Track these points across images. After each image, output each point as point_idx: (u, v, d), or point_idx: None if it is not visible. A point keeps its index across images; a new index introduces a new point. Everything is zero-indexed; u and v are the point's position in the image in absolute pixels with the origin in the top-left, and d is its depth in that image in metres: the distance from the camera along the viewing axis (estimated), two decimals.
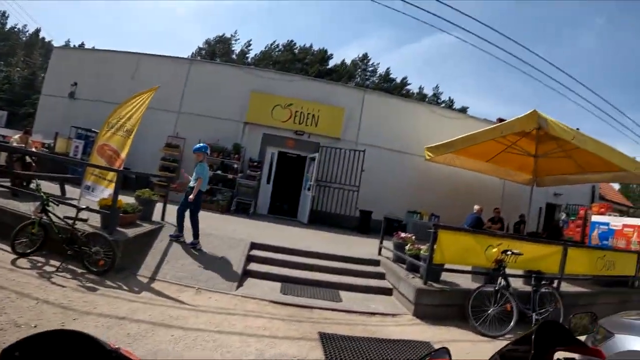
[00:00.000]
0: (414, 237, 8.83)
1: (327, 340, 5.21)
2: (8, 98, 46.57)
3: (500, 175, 15.04)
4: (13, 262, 6.48)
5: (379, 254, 9.80)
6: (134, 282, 6.77)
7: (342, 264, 8.78)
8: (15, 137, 11.82)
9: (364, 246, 11.06)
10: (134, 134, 9.26)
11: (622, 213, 18.21)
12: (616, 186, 30.70)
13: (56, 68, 19.57)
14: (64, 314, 4.96)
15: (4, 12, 71.76)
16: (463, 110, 55.76)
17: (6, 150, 10.13)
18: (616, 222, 11.37)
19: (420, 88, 67.15)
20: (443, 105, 59.33)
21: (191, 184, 8.50)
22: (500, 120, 15.10)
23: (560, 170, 13.12)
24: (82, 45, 59.79)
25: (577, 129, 10.20)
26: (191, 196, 8.14)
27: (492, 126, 11.36)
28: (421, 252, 7.82)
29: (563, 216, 16.70)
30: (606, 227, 11.43)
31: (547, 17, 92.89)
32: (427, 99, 62.81)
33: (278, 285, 7.50)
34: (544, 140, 11.38)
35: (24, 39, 72.42)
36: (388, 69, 68.68)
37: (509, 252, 7.21)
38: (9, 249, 6.77)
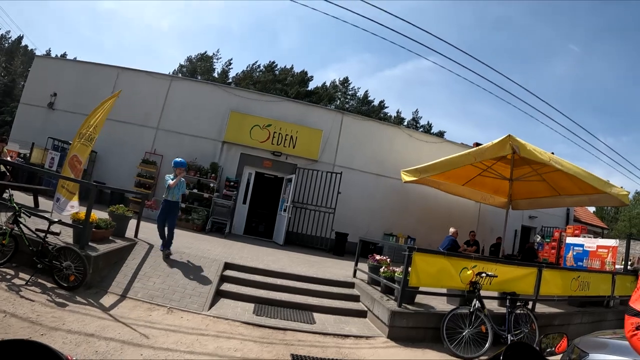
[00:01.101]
0: (389, 259, 8.83)
1: None
2: None
3: (476, 198, 15.21)
4: None
5: (354, 276, 9.74)
6: (104, 299, 6.62)
7: (316, 286, 8.67)
8: None
9: (339, 268, 11.02)
10: (94, 141, 9.16)
11: (597, 234, 18.49)
12: (591, 208, 31.19)
13: (36, 77, 19.30)
14: (31, 329, 4.86)
15: None
16: (440, 134, 56.50)
17: None
18: (590, 243, 11.52)
19: (398, 112, 67.82)
20: (421, 129, 60.05)
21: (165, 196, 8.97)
22: (477, 144, 15.28)
23: (535, 193, 13.33)
24: (64, 55, 59.42)
25: (552, 152, 10.34)
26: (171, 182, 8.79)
27: (467, 151, 11.46)
28: (396, 274, 7.78)
29: (538, 238, 16.87)
30: (581, 248, 11.57)
31: (521, 45, 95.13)
32: (406, 123, 63.49)
33: (251, 306, 7.38)
34: (519, 164, 11.54)
35: (6, 45, 71.56)
36: (366, 91, 69.27)
37: (483, 274, 7.21)
38: None
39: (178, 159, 9.20)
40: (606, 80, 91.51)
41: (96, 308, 6.10)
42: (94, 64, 18.94)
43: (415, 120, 65.99)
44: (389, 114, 65.60)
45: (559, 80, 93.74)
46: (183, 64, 67.01)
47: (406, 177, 13.48)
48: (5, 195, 8.50)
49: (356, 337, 6.74)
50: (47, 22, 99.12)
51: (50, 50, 62.08)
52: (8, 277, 6.47)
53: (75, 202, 8.62)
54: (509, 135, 9.55)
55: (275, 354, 5.43)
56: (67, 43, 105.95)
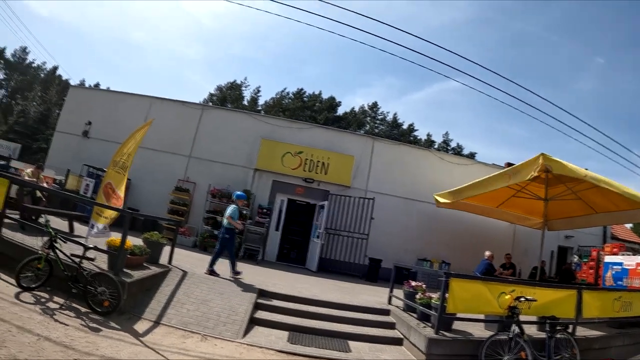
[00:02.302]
0: (424, 285, 8.68)
1: None
2: (22, 131, 47.53)
3: (511, 219, 14.86)
4: (17, 296, 6.45)
5: (389, 302, 9.58)
6: (138, 324, 6.68)
7: (351, 313, 8.60)
8: (27, 171, 11.85)
9: (373, 295, 10.90)
10: (128, 169, 9.27)
11: (635, 251, 17.86)
12: (628, 225, 30.23)
13: (71, 106, 19.99)
14: (64, 353, 4.90)
15: (25, 48, 74.30)
16: (471, 155, 55.98)
17: (18, 183, 10.15)
18: (630, 261, 11.08)
19: (429, 135, 67.66)
20: (452, 151, 59.55)
21: (225, 223, 10.12)
22: (509, 164, 15.03)
23: (571, 212, 12.92)
24: (97, 85, 61.39)
25: (586, 169, 10.09)
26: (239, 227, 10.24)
27: (500, 172, 11.27)
28: (432, 300, 7.67)
29: (575, 259, 16.41)
30: (619, 267, 11.14)
31: (549, 61, 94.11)
32: (436, 145, 63.10)
33: (285, 334, 7.34)
34: (553, 183, 11.26)
35: (42, 75, 74.53)
36: (395, 114, 69.36)
37: (522, 299, 6.99)
38: (13, 281, 6.76)
39: (239, 192, 11.09)
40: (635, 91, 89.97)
41: (129, 334, 6.14)
42: (127, 93, 19.58)
43: (445, 142, 65.69)
44: (418, 137, 65.60)
45: (586, 95, 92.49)
46: (213, 92, 68.53)
47: (440, 201, 13.35)
48: (42, 221, 8.71)
49: None
50: (80, 52, 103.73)
51: (84, 80, 64.68)
52: (42, 300, 6.60)
53: (102, 224, 8.72)
54: (542, 153, 9.33)
55: None
56: (99, 73, 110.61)
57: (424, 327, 7.44)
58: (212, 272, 9.64)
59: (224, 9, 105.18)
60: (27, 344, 4.80)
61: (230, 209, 10.23)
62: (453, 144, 65.54)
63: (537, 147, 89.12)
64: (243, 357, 6.07)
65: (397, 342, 7.75)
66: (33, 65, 76.05)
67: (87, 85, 51.62)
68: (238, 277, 9.75)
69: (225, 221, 10.16)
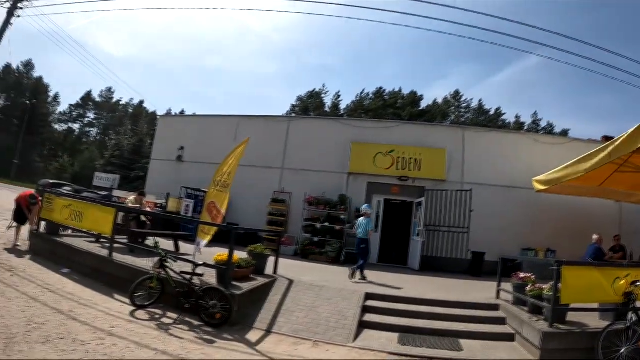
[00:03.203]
0: (533, 276, 8.35)
1: None
2: (119, 163, 51.48)
3: (616, 197, 13.83)
4: (132, 314, 6.99)
5: (497, 297, 9.33)
6: (250, 334, 6.95)
7: (459, 311, 8.50)
8: (130, 198, 12.63)
9: (479, 290, 10.68)
10: (229, 187, 9.78)
11: None
12: None
13: (162, 134, 21.64)
14: None
15: (110, 88, 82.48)
16: (564, 133, 52.79)
17: (123, 210, 11.00)
18: None
19: (517, 117, 64.67)
20: (543, 131, 56.67)
21: (358, 233, 11.57)
22: (606, 138, 14.11)
23: None
24: (182, 112, 64.94)
25: None
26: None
27: (598, 147, 10.62)
28: (544, 292, 7.35)
29: None
30: None
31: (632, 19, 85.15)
32: (526, 127, 60.39)
33: (395, 335, 7.37)
34: None
35: (130, 110, 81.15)
36: (480, 101, 67.20)
37: (638, 283, 6.59)
38: (127, 301, 7.36)
39: (366, 205, 12.61)
40: None
41: (243, 344, 6.40)
42: (214, 115, 20.80)
43: (535, 123, 62.59)
44: (507, 121, 62.95)
45: None
46: (294, 103, 69.71)
47: (539, 186, 12.89)
48: (150, 242, 9.42)
49: None
50: (161, 84, 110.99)
51: (170, 110, 68.65)
52: (157, 316, 7.13)
53: (205, 240, 9.35)
54: None
55: None
56: (182, 101, 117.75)
57: (537, 320, 7.18)
58: (363, 277, 11.01)
59: (287, 22, 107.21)
60: (145, 359, 5.18)
61: (366, 221, 11.53)
62: (543, 124, 62.36)
63: (634, 116, 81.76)
64: None
65: (509, 338, 7.55)
66: (120, 102, 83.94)
67: (173, 113, 54.71)
68: (363, 281, 10.72)
69: (360, 232, 11.48)
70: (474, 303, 8.96)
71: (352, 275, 10.98)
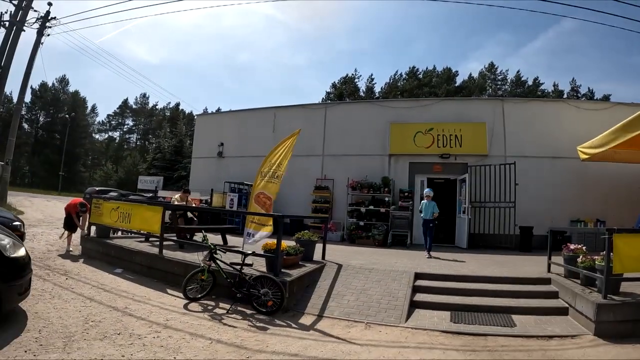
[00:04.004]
0: (584, 247, 8.22)
1: None
2: (161, 165, 52.74)
3: None
4: (185, 306, 7.25)
5: (548, 271, 9.19)
6: (302, 320, 7.05)
7: (510, 286, 8.44)
8: (176, 197, 12.91)
9: (530, 264, 10.58)
10: (281, 178, 10.06)
11: None
12: None
13: (201, 132, 22.23)
14: (237, 352, 5.30)
15: (144, 94, 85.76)
16: (606, 98, 50.77)
17: (170, 208, 11.32)
18: None
19: (555, 85, 62.63)
20: (583, 98, 54.74)
21: (423, 215, 12.71)
22: None
23: None
24: (218, 109, 65.96)
25: None
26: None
27: None
28: (596, 262, 7.19)
29: None
30: None
31: None
32: (565, 95, 58.52)
33: (447, 314, 7.39)
34: None
35: (168, 113, 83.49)
36: (518, 71, 65.45)
37: None
38: (180, 295, 7.65)
39: (427, 189, 13.18)
40: None
41: (296, 329, 6.50)
42: (250, 109, 21.10)
43: (574, 90, 60.37)
44: (546, 90, 61.06)
45: None
46: (329, 91, 69.49)
47: (584, 154, 12.58)
48: (198, 238, 9.70)
49: (561, 337, 6.36)
50: (195, 85, 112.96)
51: (206, 109, 69.80)
52: (209, 307, 7.36)
53: (267, 232, 9.59)
54: None
55: None
56: (217, 99, 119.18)
57: (590, 292, 7.05)
58: (431, 256, 12.04)
59: (312, 11, 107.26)
60: (201, 348, 5.32)
61: (431, 204, 12.53)
62: (583, 90, 60.26)
63: None
64: (409, 341, 6.14)
65: (562, 311, 7.43)
66: (157, 107, 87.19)
67: (209, 112, 55.54)
68: (431, 259, 11.73)
69: (426, 214, 12.57)
70: (525, 278, 8.86)
71: (430, 256, 12.06)
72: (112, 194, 25.24)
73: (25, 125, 75.78)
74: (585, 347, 5.96)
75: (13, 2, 18.60)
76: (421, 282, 8.69)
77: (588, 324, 6.59)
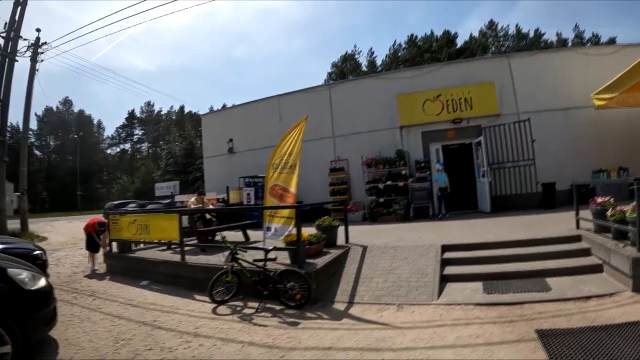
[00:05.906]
0: (612, 199, 7.90)
1: (546, 338, 4.88)
2: (175, 170, 53.24)
3: None
4: (214, 311, 7.20)
5: (577, 227, 8.94)
6: (333, 309, 6.96)
7: (540, 248, 8.25)
8: (192, 200, 12.91)
9: (557, 222, 10.31)
10: (297, 167, 9.73)
11: None
12: None
13: (209, 131, 22.28)
14: (270, 353, 5.21)
15: (149, 102, 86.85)
16: (612, 41, 49.42)
17: (185, 213, 11.33)
18: None
19: (558, 34, 61.38)
20: (589, 44, 53.50)
21: (439, 184, 14.84)
22: None
23: None
24: (224, 106, 66.19)
25: None
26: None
27: None
28: (627, 215, 6.87)
29: None
30: None
31: None
32: (570, 43, 57.33)
33: (479, 285, 7.23)
34: None
35: (174, 117, 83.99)
36: (517, 25, 64.31)
37: None
38: (207, 299, 7.59)
39: (438, 162, 15.64)
40: None
41: (327, 320, 6.41)
42: (254, 101, 21.04)
43: (579, 37, 59.11)
44: (549, 40, 59.90)
45: None
46: (330, 71, 69.18)
47: (598, 102, 12.24)
48: (219, 238, 9.63)
49: (598, 296, 6.14)
50: (196, 86, 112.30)
51: (212, 107, 69.76)
52: (238, 308, 7.30)
53: (280, 225, 9.38)
54: None
55: (519, 334, 5.14)
56: (220, 96, 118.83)
57: (623, 246, 6.75)
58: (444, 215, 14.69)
59: None
60: (233, 353, 5.24)
61: (443, 176, 14.94)
62: (587, 35, 59.02)
63: None
64: (443, 318, 6.00)
65: (597, 269, 7.21)
66: (161, 113, 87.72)
67: (215, 110, 55.82)
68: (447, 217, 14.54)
69: (440, 183, 14.88)
70: (555, 238, 8.64)
71: (445, 216, 14.57)
72: (131, 205, 25.45)
73: (37, 152, 77.50)
74: (625, 305, 5.75)
75: (1, 35, 18.49)
76: (449, 254, 8.55)
77: (625, 279, 6.38)
